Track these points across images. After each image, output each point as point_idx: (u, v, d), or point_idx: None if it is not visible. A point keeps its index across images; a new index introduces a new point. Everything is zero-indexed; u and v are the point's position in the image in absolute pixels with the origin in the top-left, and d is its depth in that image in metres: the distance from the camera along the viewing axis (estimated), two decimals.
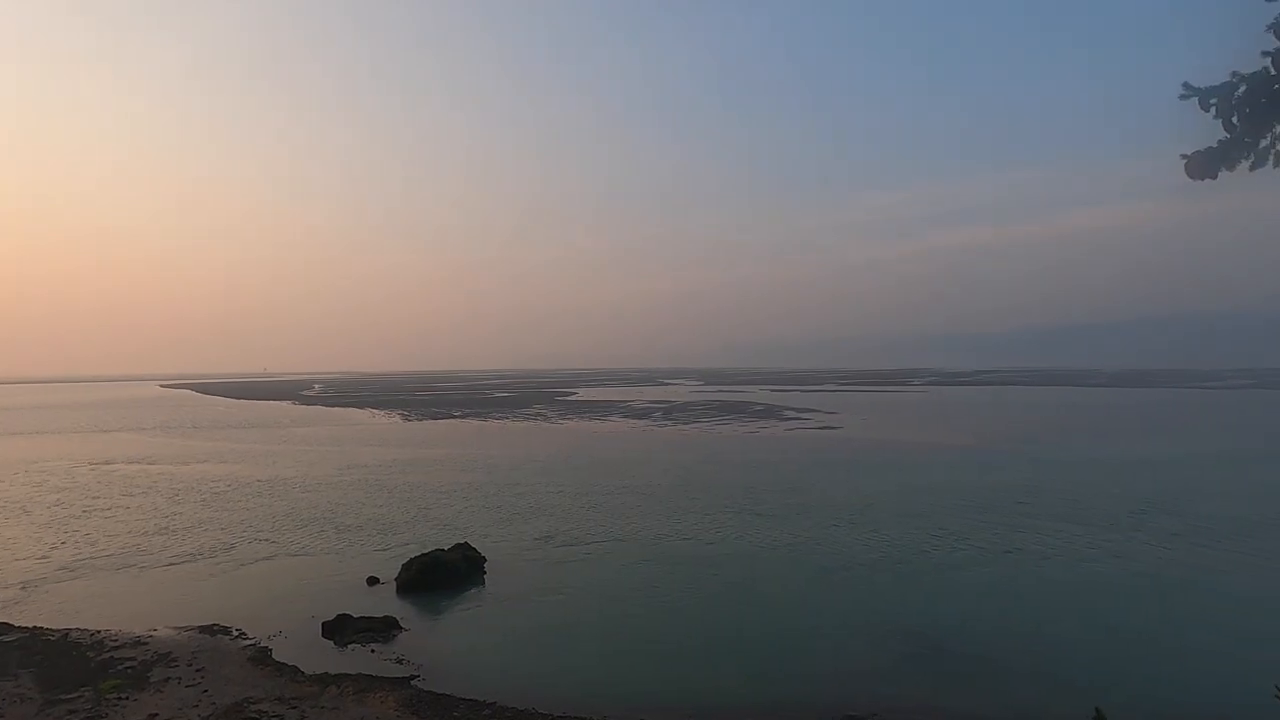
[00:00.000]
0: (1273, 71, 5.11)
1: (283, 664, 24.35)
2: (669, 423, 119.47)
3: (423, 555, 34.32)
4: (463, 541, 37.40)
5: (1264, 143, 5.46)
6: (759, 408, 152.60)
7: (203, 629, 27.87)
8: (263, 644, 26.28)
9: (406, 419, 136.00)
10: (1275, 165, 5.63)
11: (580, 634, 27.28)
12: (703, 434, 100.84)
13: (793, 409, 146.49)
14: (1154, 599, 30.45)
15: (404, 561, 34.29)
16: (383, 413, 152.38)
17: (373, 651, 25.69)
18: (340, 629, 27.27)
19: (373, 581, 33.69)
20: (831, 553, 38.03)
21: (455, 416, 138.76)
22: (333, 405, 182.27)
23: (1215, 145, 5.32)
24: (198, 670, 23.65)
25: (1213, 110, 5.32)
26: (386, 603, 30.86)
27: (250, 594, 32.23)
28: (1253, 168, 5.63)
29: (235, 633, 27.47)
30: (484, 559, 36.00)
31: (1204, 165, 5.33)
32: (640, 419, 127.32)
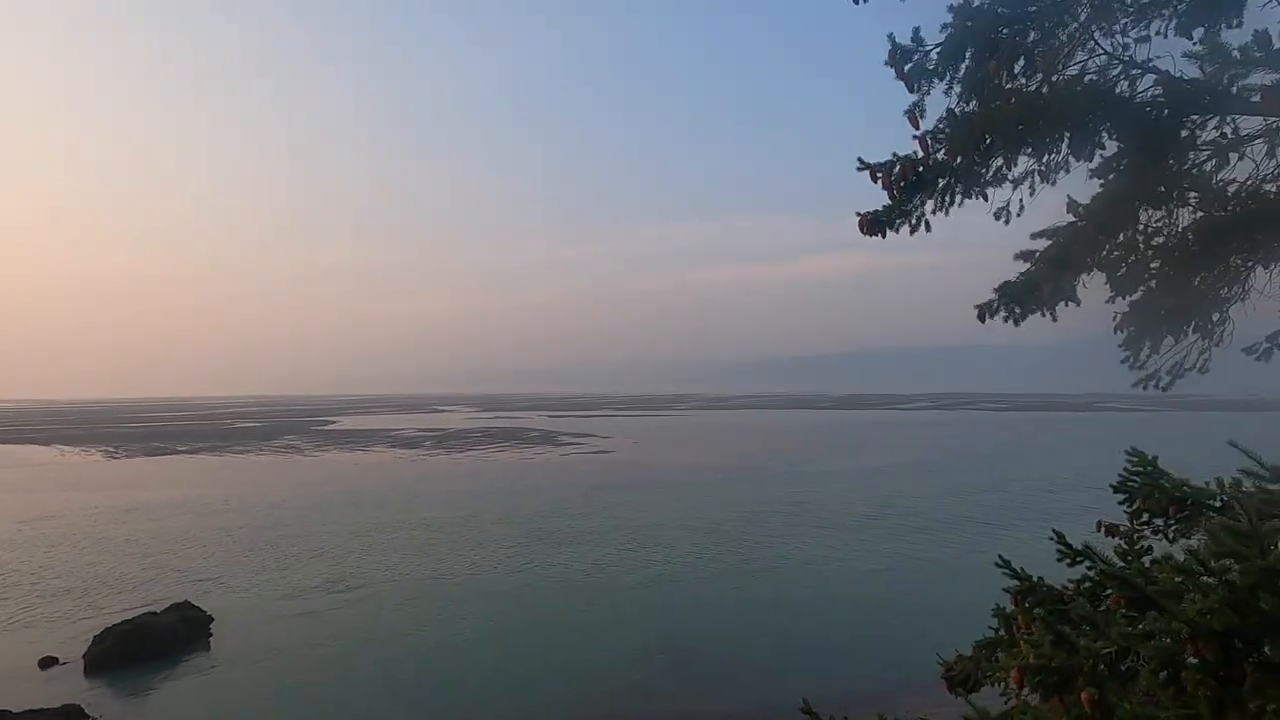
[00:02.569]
0: (919, 154, 6.27)
1: None
2: (442, 451, 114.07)
3: (124, 623, 28.45)
4: (182, 601, 31.74)
5: (916, 212, 6.68)
6: (536, 433, 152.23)
7: None
8: None
9: (113, 456, 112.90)
10: (928, 230, 6.93)
11: (326, 694, 24.50)
12: (479, 462, 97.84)
13: (569, 434, 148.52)
14: (890, 589, 35.55)
15: (97, 634, 28.12)
16: (77, 450, 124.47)
17: None
18: None
19: (49, 663, 27.06)
20: (613, 574, 38.85)
21: (182, 452, 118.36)
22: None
23: (880, 209, 6.39)
24: None
25: (879, 181, 6.38)
26: (69, 688, 24.90)
27: None
28: (913, 231, 6.86)
29: None
30: (210, 619, 30.84)
31: (871, 225, 6.36)
32: (410, 449, 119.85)
